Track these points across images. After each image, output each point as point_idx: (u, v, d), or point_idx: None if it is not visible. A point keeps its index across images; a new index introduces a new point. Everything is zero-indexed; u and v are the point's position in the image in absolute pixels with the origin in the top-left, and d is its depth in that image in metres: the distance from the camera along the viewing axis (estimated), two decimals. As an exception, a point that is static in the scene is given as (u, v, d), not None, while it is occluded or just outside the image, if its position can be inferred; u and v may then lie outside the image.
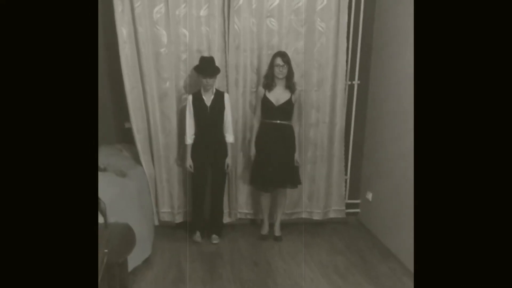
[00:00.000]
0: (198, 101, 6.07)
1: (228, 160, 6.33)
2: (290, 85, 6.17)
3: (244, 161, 6.64)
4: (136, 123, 6.16)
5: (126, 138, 6.52)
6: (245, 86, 6.47)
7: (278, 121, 6.19)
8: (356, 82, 6.81)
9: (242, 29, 6.26)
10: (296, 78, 6.30)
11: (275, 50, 6.28)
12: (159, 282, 5.42)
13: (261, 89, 6.22)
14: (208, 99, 6.07)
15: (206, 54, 6.21)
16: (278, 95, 6.15)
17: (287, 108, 6.19)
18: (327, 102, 6.59)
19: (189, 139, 6.16)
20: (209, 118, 6.10)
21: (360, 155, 7.17)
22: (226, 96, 6.19)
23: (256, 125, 6.36)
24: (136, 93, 6.11)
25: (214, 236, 6.48)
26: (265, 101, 6.18)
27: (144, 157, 6.33)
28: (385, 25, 6.36)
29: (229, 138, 6.28)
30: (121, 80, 5.91)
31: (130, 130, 6.25)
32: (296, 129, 6.38)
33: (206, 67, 5.93)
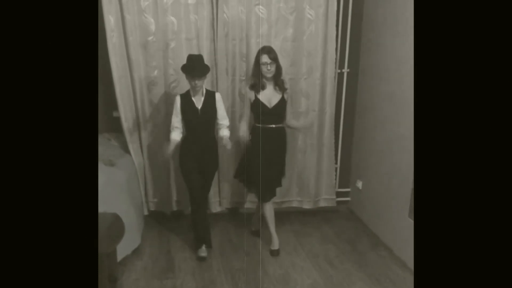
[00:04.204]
0: (187, 103, 5.52)
1: (227, 143, 5.61)
2: (279, 84, 5.66)
3: (234, 151, 6.54)
4: (125, 112, 6.12)
5: (115, 127, 6.48)
6: (234, 75, 6.44)
7: (273, 125, 5.69)
8: (345, 70, 6.79)
9: (231, 17, 6.22)
10: (286, 67, 6.21)
11: (264, 38, 6.25)
12: (148, 272, 5.41)
13: (249, 91, 5.68)
14: (198, 101, 5.53)
15: (194, 42, 6.18)
16: (270, 96, 5.63)
17: (281, 109, 5.68)
18: (316, 90, 6.56)
19: (177, 137, 5.60)
20: (200, 122, 5.56)
21: (350, 143, 7.16)
22: (218, 96, 5.67)
23: (244, 128, 5.83)
24: (124, 82, 6.07)
25: (202, 248, 5.87)
26: (257, 104, 5.61)
27: (132, 146, 6.30)
28: (375, 13, 6.33)
29: (225, 132, 5.72)
30: (108, 69, 5.86)
31: (118, 119, 6.21)
32: (287, 131, 5.95)
33: (194, 67, 5.37)
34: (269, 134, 5.69)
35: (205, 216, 5.95)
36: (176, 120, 5.56)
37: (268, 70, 5.49)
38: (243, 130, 5.81)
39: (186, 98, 5.55)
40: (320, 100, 6.62)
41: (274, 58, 5.50)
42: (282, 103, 5.67)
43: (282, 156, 5.95)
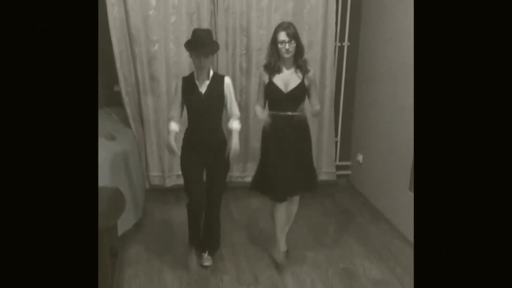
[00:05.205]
0: (190, 87, 4.68)
1: (234, 145, 4.78)
2: (300, 65, 4.82)
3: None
4: (125, 86, 6.13)
5: (115, 101, 6.48)
6: (235, 48, 6.43)
7: (289, 113, 4.78)
8: (346, 43, 6.78)
9: (231, -9, 6.19)
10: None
11: (265, 12, 6.23)
12: (149, 246, 5.43)
13: (264, 73, 4.87)
14: (202, 84, 4.65)
15: (195, 17, 6.17)
16: (287, 79, 4.81)
17: (299, 95, 4.84)
18: (317, 64, 6.54)
19: (176, 127, 4.81)
20: (204, 109, 4.69)
21: (350, 117, 7.16)
22: (227, 80, 4.78)
23: (259, 114, 4.93)
24: (125, 56, 6.07)
25: (206, 256, 5.11)
26: (271, 88, 4.82)
27: (133, 120, 6.30)
28: (375, -14, 6.32)
29: (234, 123, 4.82)
30: (109, 43, 5.85)
31: (119, 93, 6.21)
32: (320, 109, 5.22)
33: (199, 43, 4.49)
34: (285, 121, 4.80)
35: (210, 227, 5.12)
36: (175, 107, 4.80)
37: (287, 49, 4.67)
38: (261, 117, 4.90)
39: (189, 81, 4.71)
40: (321, 74, 6.61)
41: (294, 36, 4.67)
42: (300, 88, 4.82)
43: (304, 148, 5.04)
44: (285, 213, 5.09)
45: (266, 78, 4.85)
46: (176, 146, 4.75)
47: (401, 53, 5.54)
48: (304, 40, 6.28)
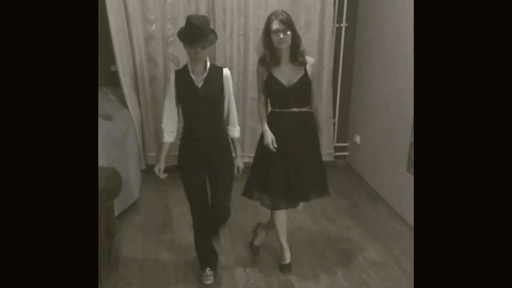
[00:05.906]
0: (184, 81, 4.03)
1: (239, 163, 4.39)
2: (296, 57, 4.25)
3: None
4: (122, 66, 6.09)
5: (112, 81, 6.46)
6: (232, 29, 6.39)
7: (295, 109, 4.32)
8: (343, 24, 6.75)
9: (229, -29, 6.15)
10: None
11: (262, -7, 6.16)
12: (146, 227, 5.44)
13: (261, 67, 4.34)
14: (198, 78, 4.00)
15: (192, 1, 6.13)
16: (288, 72, 4.28)
17: (303, 89, 4.33)
18: (314, 45, 6.54)
19: (169, 136, 4.29)
20: (202, 104, 4.04)
21: (348, 98, 7.15)
22: (226, 73, 4.12)
23: (262, 111, 4.49)
24: (122, 36, 6.04)
25: (206, 272, 4.60)
26: (272, 83, 4.30)
27: (130, 100, 6.27)
28: (374, -34, 6.29)
29: (234, 132, 4.31)
30: (106, 23, 5.82)
31: (116, 73, 6.19)
32: (319, 116, 4.58)
33: (196, 34, 3.79)
34: (289, 121, 4.36)
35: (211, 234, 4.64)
36: (169, 105, 4.15)
37: (281, 39, 4.08)
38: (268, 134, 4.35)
39: (183, 75, 4.06)
40: (318, 55, 6.59)
41: (288, 24, 4.11)
42: (304, 81, 4.30)
43: (313, 149, 4.56)
44: (286, 217, 4.72)
45: (264, 72, 4.33)
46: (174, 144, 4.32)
47: (399, 34, 5.52)
48: (302, 21, 6.31)
